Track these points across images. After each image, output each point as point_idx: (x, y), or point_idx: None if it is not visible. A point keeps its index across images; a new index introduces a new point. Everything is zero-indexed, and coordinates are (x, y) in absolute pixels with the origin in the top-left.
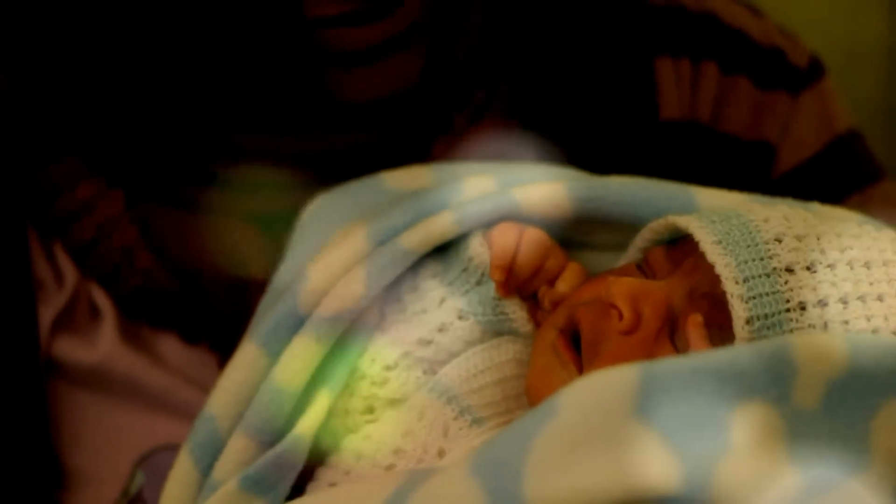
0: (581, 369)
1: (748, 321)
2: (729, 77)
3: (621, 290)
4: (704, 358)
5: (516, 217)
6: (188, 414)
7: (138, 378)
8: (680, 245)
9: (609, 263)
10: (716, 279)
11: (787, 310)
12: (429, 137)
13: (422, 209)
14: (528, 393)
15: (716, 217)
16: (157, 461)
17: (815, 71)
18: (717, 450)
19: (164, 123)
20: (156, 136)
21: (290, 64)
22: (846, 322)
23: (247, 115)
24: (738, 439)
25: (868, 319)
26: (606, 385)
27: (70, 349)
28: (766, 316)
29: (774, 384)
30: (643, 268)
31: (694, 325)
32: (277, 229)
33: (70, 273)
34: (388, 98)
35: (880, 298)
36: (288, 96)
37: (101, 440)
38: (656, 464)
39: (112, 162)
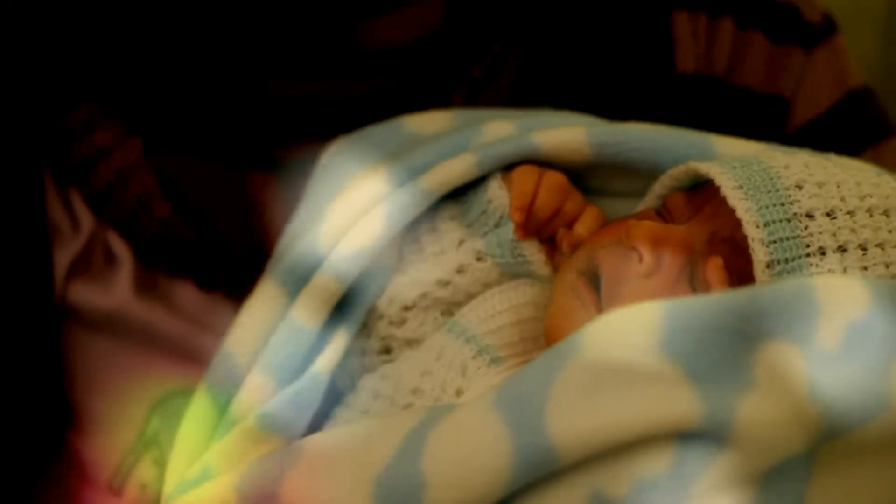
0: (601, 310)
1: (769, 265)
2: (744, 31)
3: (642, 233)
4: (727, 296)
5: (536, 161)
6: (204, 360)
7: (154, 324)
8: (700, 191)
9: (627, 210)
10: (736, 224)
11: (807, 255)
12: (447, 88)
13: (442, 151)
14: (547, 333)
15: (737, 163)
16: (172, 406)
17: (828, 27)
18: (739, 387)
19: (190, 68)
20: (180, 80)
21: (317, 7)
22: (865, 268)
23: (272, 60)
24: (759, 377)
25: (887, 266)
26: (629, 322)
27: (86, 295)
28: (786, 260)
29: (796, 324)
30: (662, 213)
31: (714, 268)
32: (296, 177)
33: (86, 219)
34: (410, 45)
35: None
36: (314, 41)
37: (117, 385)
38: (678, 400)
39: (133, 108)
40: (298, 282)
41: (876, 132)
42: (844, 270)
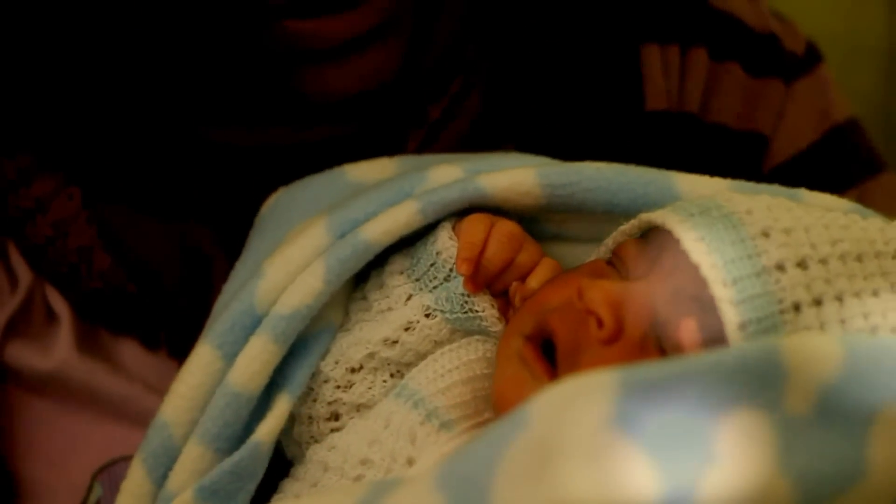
0: (555, 380)
1: (741, 326)
2: (719, 63)
3: (599, 295)
4: (686, 362)
5: (484, 205)
6: (148, 423)
7: (96, 385)
8: (652, 238)
9: (584, 256)
10: (702, 281)
11: (781, 311)
12: (403, 131)
13: (384, 199)
14: (495, 405)
15: (694, 209)
16: (115, 472)
17: (811, 58)
18: (701, 462)
19: (127, 116)
20: (119, 132)
21: (252, 57)
22: (843, 321)
23: (212, 108)
24: (723, 450)
25: (865, 317)
26: (581, 392)
27: (24, 355)
28: (759, 320)
29: (763, 390)
30: (614, 263)
31: (688, 331)
32: (237, 229)
33: (24, 274)
34: (361, 94)
35: (876, 294)
36: (253, 90)
37: (58, 450)
38: (636, 478)
39: (71, 158)
40: (235, 344)
41: (862, 169)
42: (822, 326)
